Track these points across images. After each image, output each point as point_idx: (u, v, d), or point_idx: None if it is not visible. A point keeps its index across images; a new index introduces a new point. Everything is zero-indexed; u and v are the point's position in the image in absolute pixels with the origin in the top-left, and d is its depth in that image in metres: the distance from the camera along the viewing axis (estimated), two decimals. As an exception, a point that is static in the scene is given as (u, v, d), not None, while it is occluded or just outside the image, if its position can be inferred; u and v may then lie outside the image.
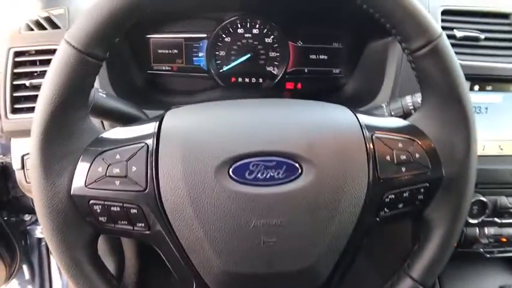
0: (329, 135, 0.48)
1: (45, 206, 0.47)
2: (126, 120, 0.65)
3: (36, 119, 0.46)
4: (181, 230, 0.46)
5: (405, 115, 0.64)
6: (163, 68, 0.92)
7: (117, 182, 0.46)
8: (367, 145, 0.49)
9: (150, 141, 0.47)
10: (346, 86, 0.94)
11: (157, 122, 0.50)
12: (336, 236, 0.48)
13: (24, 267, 1.22)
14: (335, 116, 0.51)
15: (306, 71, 0.93)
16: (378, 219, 0.50)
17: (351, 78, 0.94)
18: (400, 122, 0.53)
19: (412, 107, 0.64)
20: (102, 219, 0.48)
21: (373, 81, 0.83)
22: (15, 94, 0.75)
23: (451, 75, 0.48)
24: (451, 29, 0.78)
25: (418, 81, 0.52)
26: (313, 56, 0.93)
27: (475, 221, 0.83)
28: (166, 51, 0.91)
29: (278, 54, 0.91)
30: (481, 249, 0.88)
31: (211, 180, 0.45)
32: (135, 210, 0.47)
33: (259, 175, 0.46)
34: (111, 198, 0.47)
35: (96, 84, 0.74)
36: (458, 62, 0.49)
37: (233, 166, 0.46)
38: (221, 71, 0.92)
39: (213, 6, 0.87)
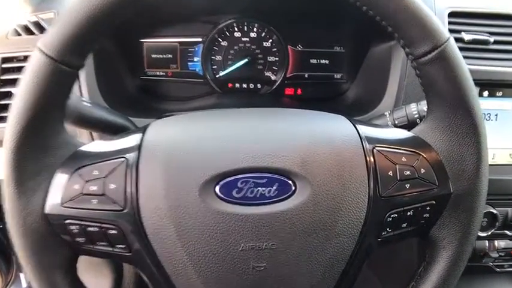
0: (325, 149, 0.45)
1: (18, 225, 0.44)
2: (113, 130, 0.63)
3: (7, 133, 0.43)
4: (164, 254, 0.43)
5: (410, 124, 0.61)
6: (158, 73, 0.90)
7: (94, 201, 0.43)
8: (368, 159, 0.46)
9: (130, 156, 0.44)
10: (348, 92, 0.92)
11: (140, 135, 0.46)
12: (333, 260, 0.45)
13: (21, 275, 1.20)
14: (332, 127, 0.48)
15: (306, 76, 0.91)
16: (379, 239, 0.47)
17: (353, 83, 0.91)
18: (404, 134, 0.50)
19: (417, 116, 0.61)
20: (79, 239, 0.45)
21: (376, 87, 0.80)
22: (2, 102, 0.73)
23: (459, 83, 0.45)
24: (459, 32, 0.76)
25: (423, 89, 0.49)
26: (313, 61, 0.91)
27: (484, 234, 0.81)
28: (161, 56, 0.89)
29: (277, 58, 0.89)
30: (491, 263, 0.86)
31: (196, 199, 0.42)
32: (114, 231, 0.44)
33: (248, 193, 0.43)
34: (88, 218, 0.44)
35: (85, 92, 0.73)
36: (467, 68, 0.46)
37: (220, 183, 0.43)
38: (217, 76, 0.90)
39: (202, 9, 0.85)
